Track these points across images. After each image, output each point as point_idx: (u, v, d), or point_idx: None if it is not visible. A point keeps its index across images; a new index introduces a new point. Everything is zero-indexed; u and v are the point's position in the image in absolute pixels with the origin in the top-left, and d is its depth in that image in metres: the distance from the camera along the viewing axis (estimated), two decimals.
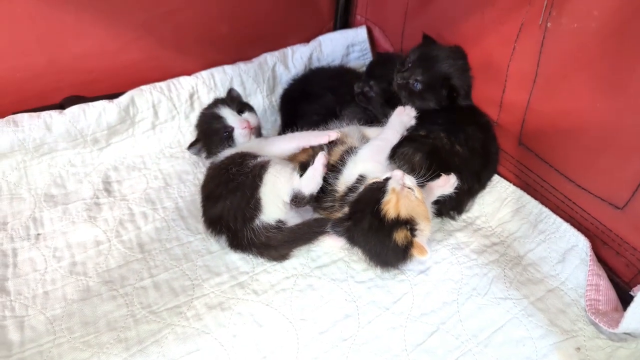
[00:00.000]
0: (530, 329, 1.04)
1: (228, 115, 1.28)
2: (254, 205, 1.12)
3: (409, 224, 1.03)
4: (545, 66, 1.11)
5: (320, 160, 1.14)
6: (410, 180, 1.04)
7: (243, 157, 1.19)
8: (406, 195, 1.02)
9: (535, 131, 1.20)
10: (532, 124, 1.20)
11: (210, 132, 1.30)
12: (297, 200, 1.14)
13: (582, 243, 1.12)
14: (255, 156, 1.19)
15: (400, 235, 1.02)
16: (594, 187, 1.10)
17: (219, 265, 1.17)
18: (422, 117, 1.29)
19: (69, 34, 1.35)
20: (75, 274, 1.13)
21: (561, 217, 1.17)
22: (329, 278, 1.14)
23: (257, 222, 1.12)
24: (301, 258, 1.19)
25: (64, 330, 1.02)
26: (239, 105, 1.33)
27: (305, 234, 1.15)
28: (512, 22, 1.15)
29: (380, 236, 1.03)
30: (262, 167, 1.15)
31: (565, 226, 1.16)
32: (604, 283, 1.07)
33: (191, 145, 1.33)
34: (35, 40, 1.32)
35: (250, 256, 1.18)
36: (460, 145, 1.24)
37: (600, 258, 1.11)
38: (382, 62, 1.48)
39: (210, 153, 1.30)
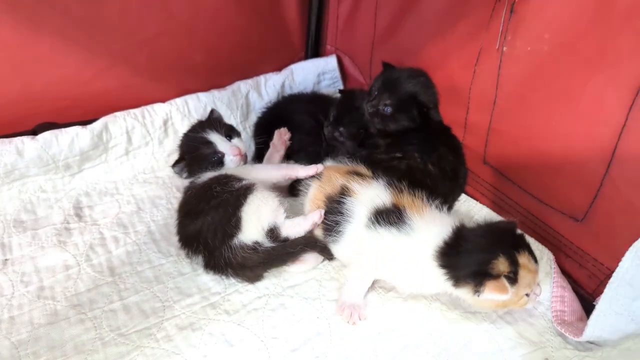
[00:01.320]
0: (499, 341, 1.06)
1: (218, 141, 1.28)
2: (235, 223, 1.13)
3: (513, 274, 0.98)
4: (504, 88, 1.17)
5: (315, 217, 1.16)
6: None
7: (228, 178, 1.21)
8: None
9: (498, 150, 1.26)
10: (495, 143, 1.26)
11: (199, 157, 1.29)
12: (272, 235, 1.16)
13: (546, 256, 1.16)
14: (240, 179, 1.21)
15: (502, 264, 0.97)
16: (555, 202, 1.14)
17: (191, 287, 1.16)
18: (398, 139, 1.35)
19: (43, 61, 1.37)
20: (43, 299, 1.11)
21: (526, 232, 1.20)
22: (301, 297, 1.15)
23: (235, 240, 1.13)
24: (273, 278, 1.19)
25: (29, 355, 0.99)
26: (226, 129, 1.33)
27: (280, 255, 1.16)
28: (472, 47, 1.22)
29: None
30: (248, 189, 1.17)
31: (530, 240, 1.19)
32: (569, 294, 1.10)
33: (176, 164, 1.31)
34: (9, 68, 1.34)
35: (223, 277, 1.17)
36: (432, 165, 1.28)
37: (564, 271, 1.15)
38: (346, 105, 1.50)
39: (192, 174, 1.30)
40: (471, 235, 1.02)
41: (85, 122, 1.44)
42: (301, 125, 1.53)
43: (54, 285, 1.15)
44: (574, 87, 1.01)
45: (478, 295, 0.98)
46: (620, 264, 0.91)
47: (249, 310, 1.11)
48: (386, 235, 1.07)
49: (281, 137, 1.44)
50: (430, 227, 1.05)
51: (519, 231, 1.03)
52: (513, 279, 0.96)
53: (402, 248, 1.06)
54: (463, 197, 1.38)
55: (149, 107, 1.53)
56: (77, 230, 1.30)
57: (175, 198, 1.43)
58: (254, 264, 1.14)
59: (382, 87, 1.38)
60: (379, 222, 1.08)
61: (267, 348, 1.03)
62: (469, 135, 1.33)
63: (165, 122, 1.54)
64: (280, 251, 1.16)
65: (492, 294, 0.95)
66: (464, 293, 1.01)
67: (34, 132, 1.39)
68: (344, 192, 1.15)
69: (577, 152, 1.05)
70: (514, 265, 0.97)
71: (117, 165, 1.49)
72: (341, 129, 1.45)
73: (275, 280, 1.18)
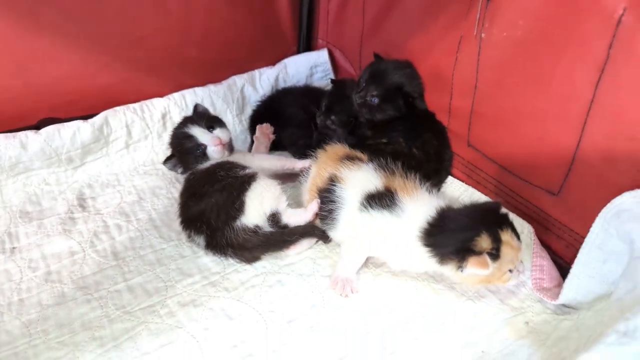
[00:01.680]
0: (483, 309, 1.12)
1: (199, 133, 1.33)
2: (239, 206, 1.20)
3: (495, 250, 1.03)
4: (483, 73, 1.24)
5: (314, 207, 1.23)
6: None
7: (231, 165, 1.29)
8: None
9: (480, 132, 1.32)
10: (477, 126, 1.32)
11: (184, 151, 1.36)
12: (274, 220, 1.23)
13: (527, 229, 1.22)
14: (243, 167, 1.28)
15: (485, 241, 1.02)
16: (533, 178, 1.21)
17: (192, 268, 1.23)
18: (384, 126, 1.41)
19: (45, 58, 1.44)
20: (51, 282, 1.17)
21: (508, 208, 1.27)
22: (297, 274, 1.21)
23: (237, 222, 1.19)
24: (270, 258, 1.25)
25: (39, 333, 1.05)
26: (208, 121, 1.38)
27: (278, 241, 1.23)
28: (453, 36, 1.28)
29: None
30: (252, 177, 1.25)
31: (512, 216, 1.26)
32: (547, 263, 1.16)
33: (166, 160, 1.39)
34: (12, 64, 1.41)
35: (222, 258, 1.24)
36: (417, 149, 1.35)
37: (543, 243, 1.21)
38: (337, 94, 1.57)
39: (186, 169, 1.37)
40: (455, 215, 1.09)
41: (86, 117, 1.50)
42: (292, 118, 1.60)
43: (60, 270, 1.21)
44: (546, 69, 1.08)
45: (461, 271, 1.04)
46: (591, 229, 0.99)
47: (247, 287, 1.17)
48: (379, 217, 1.12)
49: (263, 132, 1.52)
50: (418, 208, 1.11)
51: (503, 210, 1.10)
52: (495, 255, 1.02)
53: (393, 229, 1.12)
54: (450, 179, 1.45)
55: (147, 101, 1.59)
56: (81, 219, 1.36)
57: (175, 188, 1.49)
58: (253, 246, 1.21)
59: (369, 78, 1.44)
60: (371, 205, 1.13)
61: (264, 320, 1.09)
62: (453, 119, 1.39)
63: (163, 116, 1.60)
64: (278, 237, 1.23)
65: (475, 269, 1.01)
66: (449, 270, 1.08)
67: (37, 127, 1.45)
68: (332, 180, 1.20)
69: (550, 129, 1.12)
70: (497, 242, 1.03)
71: (118, 158, 1.56)
72: (333, 117, 1.52)
73: (272, 260, 1.25)
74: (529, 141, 1.18)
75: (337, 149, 1.30)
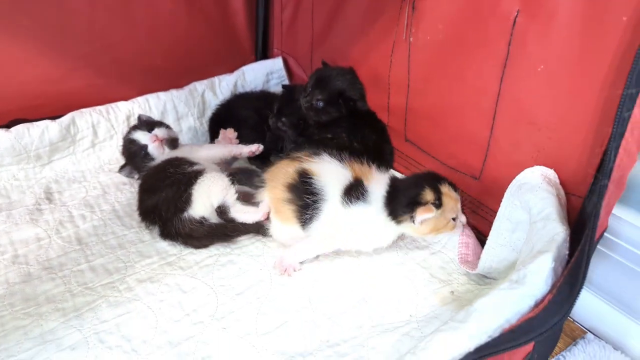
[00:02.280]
0: (415, 282, 1.24)
1: (140, 136, 1.47)
2: (185, 200, 1.30)
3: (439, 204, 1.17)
4: (414, 72, 1.39)
5: (265, 209, 1.32)
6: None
7: (180, 161, 1.39)
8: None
9: (415, 127, 1.47)
10: (412, 122, 1.47)
11: (131, 155, 1.49)
12: (221, 212, 1.34)
13: None
14: (192, 163, 1.39)
15: (428, 194, 1.17)
16: (460, 166, 1.35)
17: (150, 251, 1.33)
18: (330, 124, 1.55)
19: (17, 62, 1.53)
20: (18, 264, 1.26)
21: None
22: (247, 255, 1.32)
23: (185, 214, 1.30)
24: (223, 242, 1.36)
25: (6, 306, 1.14)
26: (149, 125, 1.50)
27: (221, 235, 1.34)
28: (387, 41, 1.44)
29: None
30: (199, 172, 1.35)
31: None
32: (472, 241, 1.30)
33: (121, 168, 1.52)
34: None
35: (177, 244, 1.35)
36: (357, 143, 1.48)
37: (471, 225, 1.35)
38: (288, 98, 1.70)
39: (140, 171, 1.48)
40: (403, 181, 1.26)
41: (55, 118, 1.59)
42: (247, 121, 1.72)
43: (27, 254, 1.30)
44: (462, 67, 1.24)
45: (414, 222, 1.18)
46: (501, 203, 1.13)
47: (200, 267, 1.28)
48: (358, 210, 1.22)
49: (226, 136, 1.64)
50: (379, 188, 1.23)
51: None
52: (438, 204, 1.17)
53: (368, 216, 1.22)
54: (391, 172, 1.58)
55: (113, 104, 1.69)
56: (48, 210, 1.46)
57: (138, 183, 1.60)
58: (199, 236, 1.32)
59: (314, 84, 1.59)
60: (351, 200, 1.22)
61: (215, 293, 1.20)
62: (392, 117, 1.54)
63: (128, 118, 1.71)
64: (222, 231, 1.34)
65: (423, 216, 1.15)
66: (406, 227, 1.21)
67: (7, 126, 1.54)
68: (305, 174, 1.24)
69: (469, 120, 1.27)
70: (438, 193, 1.18)
71: (85, 156, 1.65)
72: (283, 119, 1.65)
73: (225, 243, 1.36)
74: (453, 132, 1.33)
75: (281, 162, 1.33)
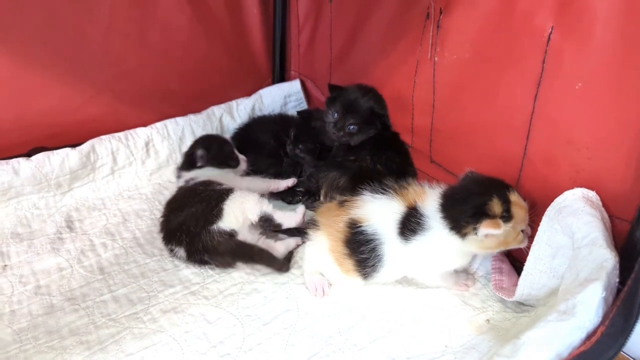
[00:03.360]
0: (447, 309, 1.19)
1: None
2: (217, 213, 1.30)
3: (509, 215, 1.07)
4: (439, 92, 1.36)
5: (302, 209, 1.42)
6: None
7: (210, 182, 1.40)
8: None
9: (440, 148, 1.44)
10: (438, 142, 1.44)
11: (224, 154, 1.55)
12: (267, 221, 1.35)
13: None
14: (220, 184, 1.40)
15: (497, 204, 1.07)
16: None
17: (173, 280, 1.30)
18: (354, 146, 1.54)
19: (35, 92, 1.53)
20: (40, 295, 1.24)
21: None
22: (272, 282, 1.28)
23: (214, 226, 1.29)
24: (247, 269, 1.33)
25: (30, 339, 1.11)
26: None
27: (245, 254, 1.31)
28: (410, 61, 1.41)
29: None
30: (230, 190, 1.36)
31: None
32: (506, 267, 1.25)
33: (202, 150, 1.51)
34: (6, 98, 1.50)
35: (202, 270, 1.32)
36: (380, 165, 1.46)
37: None
38: (304, 124, 1.70)
39: (213, 162, 1.51)
40: (462, 188, 1.15)
41: (74, 146, 1.58)
42: (264, 147, 1.71)
43: (49, 284, 1.27)
44: (492, 85, 1.20)
45: (476, 234, 1.07)
46: (539, 227, 1.08)
47: (225, 295, 1.24)
48: (419, 240, 1.14)
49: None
50: (432, 205, 1.15)
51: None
52: (507, 216, 1.07)
53: (433, 242, 1.14)
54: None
55: (131, 130, 1.68)
56: (69, 239, 1.43)
57: (157, 210, 1.57)
58: (224, 251, 1.29)
59: (341, 109, 1.54)
60: (409, 234, 1.14)
61: (241, 324, 1.16)
62: (416, 138, 1.51)
63: (147, 144, 1.70)
64: (246, 251, 1.31)
65: (488, 230, 1.05)
66: (471, 241, 1.10)
67: (28, 155, 1.53)
68: (354, 224, 1.18)
69: (500, 140, 1.23)
70: (507, 203, 1.07)
71: (104, 183, 1.64)
72: (300, 146, 1.64)
73: (249, 271, 1.32)
74: (483, 152, 1.29)
75: (329, 205, 1.28)
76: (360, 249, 1.17)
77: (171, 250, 1.35)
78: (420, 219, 1.14)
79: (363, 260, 1.17)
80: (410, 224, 1.14)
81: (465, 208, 1.09)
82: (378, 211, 1.18)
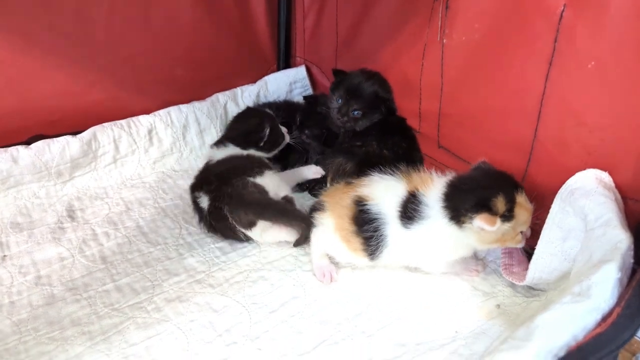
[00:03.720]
0: (456, 295, 1.18)
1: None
2: (257, 172, 1.36)
3: (510, 215, 1.05)
4: (447, 75, 1.33)
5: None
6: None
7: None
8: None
9: (449, 133, 1.41)
10: (446, 127, 1.41)
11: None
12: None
13: None
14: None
15: (501, 202, 1.04)
16: None
17: (178, 268, 1.27)
18: (360, 133, 1.51)
19: (36, 77, 1.50)
20: (41, 285, 1.21)
21: None
22: (279, 270, 1.26)
23: (250, 179, 1.33)
24: (253, 257, 1.31)
25: (30, 330, 1.09)
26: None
27: (274, 210, 1.30)
28: (418, 44, 1.38)
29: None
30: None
31: None
32: (516, 251, 1.23)
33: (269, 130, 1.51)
34: (4, 83, 1.47)
35: (207, 259, 1.30)
36: (387, 150, 1.43)
37: None
38: (310, 110, 1.68)
39: (267, 143, 1.51)
40: (470, 178, 1.13)
41: (75, 134, 1.56)
42: None
43: (50, 274, 1.25)
44: (502, 66, 1.17)
45: (471, 223, 1.05)
46: (551, 210, 1.06)
47: (231, 284, 1.22)
48: (418, 228, 1.13)
49: None
50: (435, 193, 1.13)
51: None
52: (508, 216, 1.05)
53: (431, 232, 1.12)
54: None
55: (134, 118, 1.65)
56: (70, 228, 1.41)
57: (161, 198, 1.56)
58: (251, 202, 1.29)
59: (345, 94, 1.52)
60: (408, 220, 1.13)
61: (248, 312, 1.14)
62: (424, 123, 1.48)
63: (149, 132, 1.67)
64: (278, 206, 1.32)
65: (482, 224, 1.03)
66: (468, 232, 1.08)
67: (27, 143, 1.51)
68: (360, 201, 1.18)
69: (510, 123, 1.20)
70: (511, 202, 1.05)
71: (106, 172, 1.61)
72: (306, 131, 1.62)
73: (255, 258, 1.30)
74: (493, 136, 1.27)
75: (335, 187, 1.30)
76: (365, 227, 1.16)
77: (194, 201, 1.38)
78: (418, 207, 1.12)
79: (368, 238, 1.16)
80: (408, 210, 1.13)
81: (469, 197, 1.07)
82: (383, 191, 1.18)
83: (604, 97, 1.00)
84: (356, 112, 1.51)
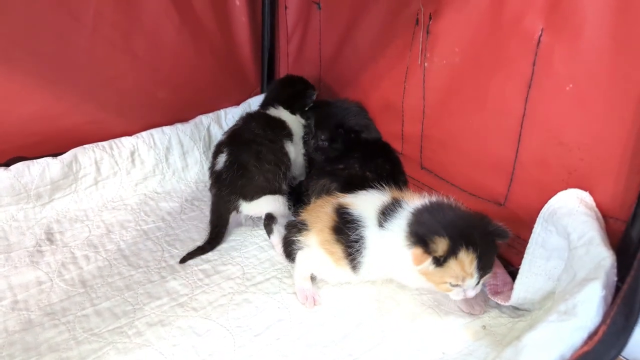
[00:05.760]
0: (441, 316, 1.17)
1: None
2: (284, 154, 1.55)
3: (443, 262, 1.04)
4: (429, 98, 1.36)
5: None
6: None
7: None
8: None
9: (431, 154, 1.42)
10: (428, 149, 1.43)
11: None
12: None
13: None
14: None
15: (442, 244, 1.03)
16: (480, 191, 1.30)
17: (160, 292, 1.25)
18: (343, 155, 1.53)
19: (13, 98, 1.47)
20: (17, 310, 1.17)
21: None
22: (263, 292, 1.25)
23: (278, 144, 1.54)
24: (237, 279, 1.29)
25: (5, 357, 1.05)
26: None
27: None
28: (400, 67, 1.41)
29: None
30: None
31: None
32: (500, 270, 1.23)
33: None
34: None
35: (190, 281, 1.27)
36: (370, 172, 1.44)
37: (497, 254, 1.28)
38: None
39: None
40: (438, 210, 1.12)
41: (56, 155, 1.53)
42: None
43: (27, 299, 1.21)
44: (482, 89, 1.20)
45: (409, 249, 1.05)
46: (533, 230, 1.07)
47: (214, 307, 1.20)
48: (390, 228, 1.14)
49: None
50: (412, 206, 1.15)
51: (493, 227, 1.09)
52: (439, 261, 1.04)
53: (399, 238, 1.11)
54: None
55: (116, 139, 1.64)
56: (49, 251, 1.38)
57: (143, 221, 1.53)
58: (267, 164, 1.47)
59: (316, 124, 1.60)
60: (384, 220, 1.14)
61: (232, 335, 1.12)
62: (406, 145, 1.50)
63: (132, 154, 1.65)
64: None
65: (411, 257, 1.04)
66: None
67: (6, 164, 1.48)
68: (341, 207, 1.20)
69: (491, 144, 1.22)
70: (453, 252, 1.02)
71: (87, 194, 1.58)
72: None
73: (239, 281, 1.28)
74: (475, 157, 1.28)
75: (315, 203, 1.32)
76: (345, 231, 1.17)
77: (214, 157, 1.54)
78: (396, 209, 1.15)
79: (350, 245, 1.16)
80: (388, 210, 1.15)
81: (422, 226, 1.07)
82: (365, 198, 1.22)
83: (582, 118, 1.03)
84: (324, 143, 1.58)
